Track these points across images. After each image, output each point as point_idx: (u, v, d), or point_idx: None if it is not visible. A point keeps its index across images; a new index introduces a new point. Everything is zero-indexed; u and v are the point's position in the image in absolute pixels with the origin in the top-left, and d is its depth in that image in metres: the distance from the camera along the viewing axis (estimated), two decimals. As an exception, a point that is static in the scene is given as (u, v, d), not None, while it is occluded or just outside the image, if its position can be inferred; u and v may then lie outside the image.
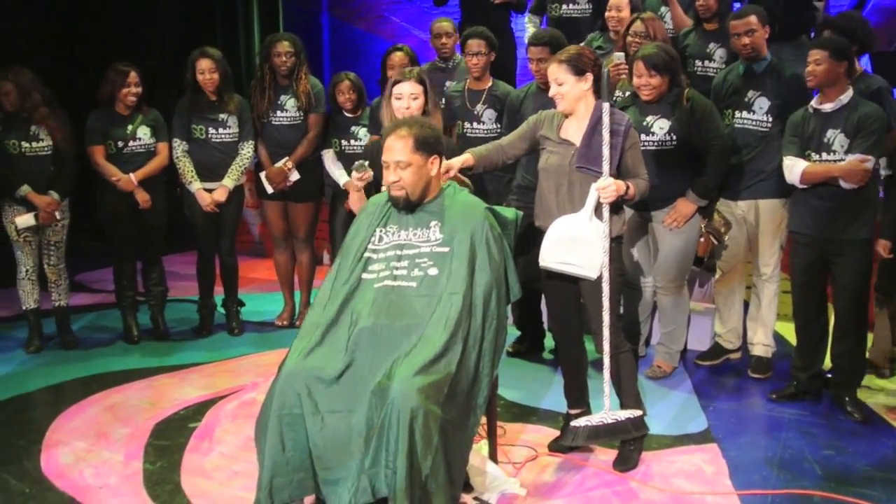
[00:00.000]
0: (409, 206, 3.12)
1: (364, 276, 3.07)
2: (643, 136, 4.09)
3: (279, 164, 5.10)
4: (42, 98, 4.76)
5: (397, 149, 3.07)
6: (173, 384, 4.46)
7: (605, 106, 3.23)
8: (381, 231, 3.15)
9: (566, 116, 3.39)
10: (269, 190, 5.16)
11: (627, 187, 3.25)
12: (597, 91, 3.33)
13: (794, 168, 3.90)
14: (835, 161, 3.82)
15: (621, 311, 3.49)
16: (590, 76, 3.31)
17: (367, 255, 3.12)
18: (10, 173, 4.70)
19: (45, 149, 4.81)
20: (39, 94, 4.76)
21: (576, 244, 3.27)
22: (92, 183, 5.02)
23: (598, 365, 4.08)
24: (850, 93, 3.86)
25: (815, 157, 3.88)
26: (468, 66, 4.82)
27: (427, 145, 3.09)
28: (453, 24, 5.35)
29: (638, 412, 3.37)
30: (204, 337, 5.23)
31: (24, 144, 4.74)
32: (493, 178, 4.65)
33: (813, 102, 3.94)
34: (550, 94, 3.40)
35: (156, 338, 5.18)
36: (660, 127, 4.14)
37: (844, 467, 3.46)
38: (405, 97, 3.58)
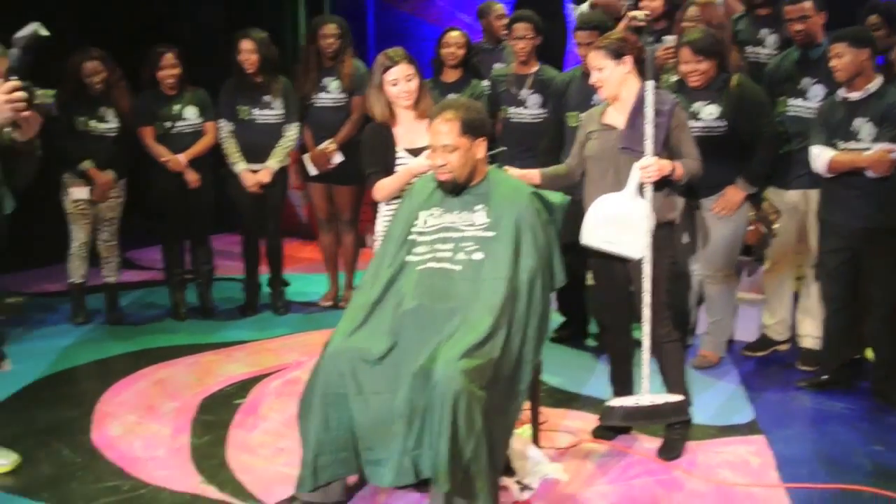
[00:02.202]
0: (455, 189, 3.12)
1: (408, 258, 3.07)
2: (691, 123, 4.01)
3: (322, 146, 5.12)
4: (118, 78, 4.86)
5: (444, 132, 3.06)
6: (219, 361, 4.52)
7: (649, 84, 3.21)
8: (425, 214, 3.15)
9: (609, 104, 3.38)
10: (313, 172, 5.18)
11: (673, 168, 3.21)
12: (641, 73, 3.30)
13: (821, 157, 3.86)
14: (862, 150, 3.77)
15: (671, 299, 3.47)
16: (628, 59, 3.29)
17: (411, 237, 3.12)
18: (75, 148, 4.79)
19: (112, 130, 4.91)
20: (116, 74, 4.85)
21: (618, 223, 3.25)
22: (142, 163, 5.09)
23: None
24: (878, 81, 3.81)
25: (842, 145, 3.84)
26: (514, 49, 4.79)
27: (474, 128, 3.08)
28: (503, 7, 5.31)
29: (678, 397, 3.34)
30: (249, 316, 5.28)
31: (92, 123, 4.85)
32: (535, 164, 4.62)
33: (841, 91, 3.90)
34: (591, 81, 3.39)
35: (202, 315, 5.26)
36: (708, 113, 4.09)
37: (895, 463, 3.39)
38: (401, 80, 3.46)
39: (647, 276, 3.27)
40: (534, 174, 3.40)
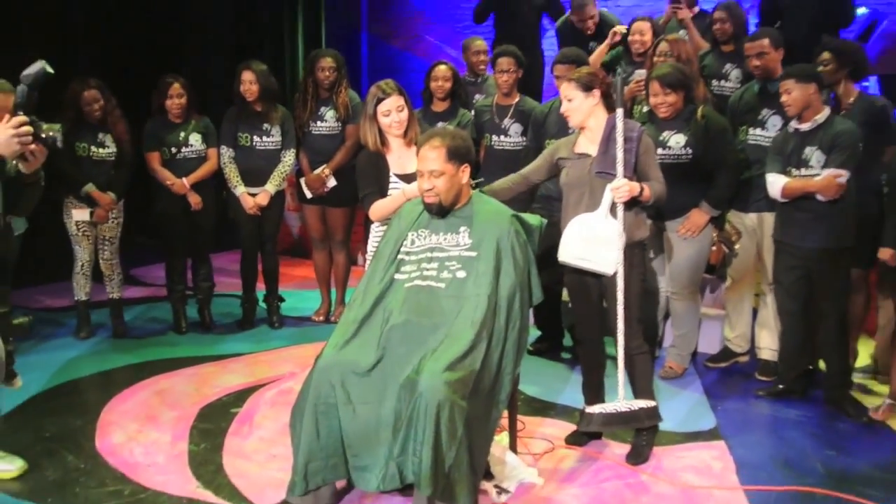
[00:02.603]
0: (441, 211, 3.12)
1: (397, 276, 3.07)
2: (660, 150, 4.05)
3: (317, 171, 5.12)
4: (113, 106, 4.84)
5: (431, 158, 3.07)
6: (217, 372, 4.48)
7: (619, 112, 3.23)
8: (413, 235, 3.15)
9: (579, 134, 3.41)
10: (309, 195, 5.17)
11: (642, 189, 3.23)
12: (607, 106, 3.34)
13: (776, 184, 3.91)
14: (812, 176, 3.81)
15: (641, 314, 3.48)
16: (597, 92, 3.32)
17: (400, 256, 3.12)
18: (76, 172, 4.75)
19: (110, 155, 4.86)
20: (112, 102, 4.83)
21: (592, 241, 3.26)
22: (148, 186, 5.07)
23: (615, 365, 4.08)
24: (825, 112, 3.87)
25: (795, 172, 3.88)
26: (498, 82, 4.81)
27: (459, 155, 3.09)
28: (484, 43, 5.35)
29: (652, 402, 3.34)
30: (246, 329, 5.25)
31: (93, 149, 4.81)
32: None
33: (793, 122, 3.95)
34: (561, 110, 3.41)
35: (202, 329, 5.22)
36: (676, 141, 4.11)
37: (846, 467, 3.40)
38: (392, 111, 3.50)
39: (621, 290, 3.27)
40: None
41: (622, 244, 3.25)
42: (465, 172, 3.12)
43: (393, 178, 3.53)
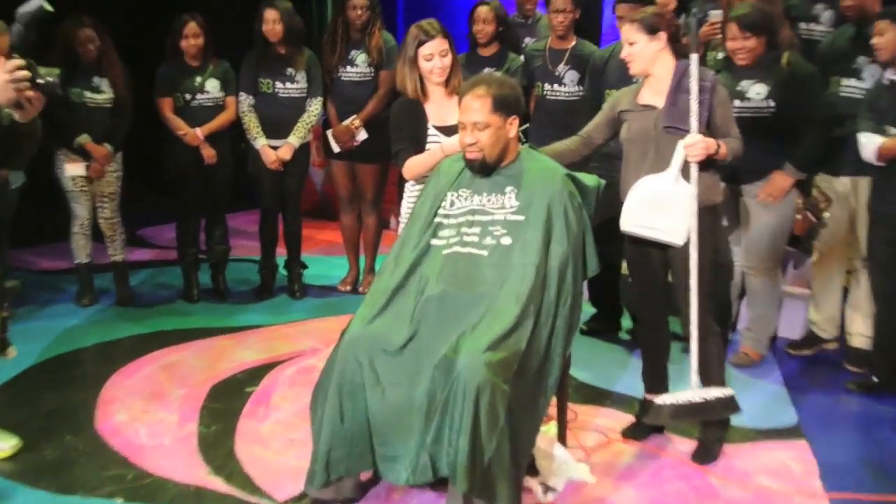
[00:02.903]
0: (484, 169, 3.07)
1: (433, 241, 3.04)
2: (737, 103, 3.97)
3: (347, 122, 5.08)
4: (109, 46, 4.82)
5: (475, 108, 3.01)
6: (231, 346, 4.49)
7: (694, 58, 3.16)
8: (453, 195, 3.10)
9: (643, 83, 3.35)
10: (336, 149, 5.14)
11: (718, 146, 3.16)
12: (675, 52, 3.29)
13: (869, 145, 3.82)
14: None
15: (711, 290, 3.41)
16: (663, 35, 3.26)
17: (437, 220, 3.08)
18: (71, 123, 4.76)
19: (107, 101, 4.86)
20: (107, 42, 4.82)
21: (661, 206, 3.20)
22: (158, 136, 5.07)
23: (681, 350, 4.00)
24: None
25: (892, 131, 3.77)
26: (552, 23, 4.75)
27: (506, 105, 3.03)
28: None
29: (728, 391, 3.27)
30: (264, 299, 5.26)
31: (87, 95, 4.80)
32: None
33: (888, 73, 3.83)
34: (622, 55, 3.35)
35: (216, 298, 5.24)
36: (756, 92, 4.02)
37: (949, 474, 3.30)
38: (435, 55, 3.45)
39: (694, 263, 3.21)
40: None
41: (695, 209, 3.18)
42: (512, 125, 3.06)
43: (431, 131, 3.50)
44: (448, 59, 3.48)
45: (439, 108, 3.52)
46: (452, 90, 3.52)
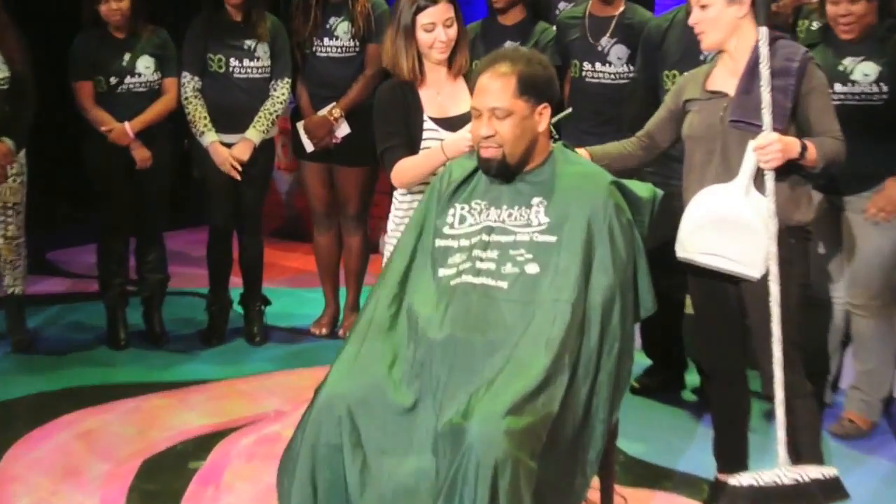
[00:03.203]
0: (504, 172, 3.08)
1: (441, 272, 3.05)
2: (839, 87, 4.01)
3: (323, 111, 5.12)
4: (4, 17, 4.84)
5: (494, 90, 3.04)
6: (170, 407, 4.51)
7: (763, 32, 3.17)
8: (462, 209, 3.12)
9: (715, 62, 3.38)
10: (310, 147, 5.18)
11: (804, 147, 3.16)
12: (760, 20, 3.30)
13: None
14: None
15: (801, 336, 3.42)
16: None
17: (440, 241, 3.10)
18: None
19: (3, 82, 4.83)
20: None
21: (728, 227, 3.22)
22: (74, 131, 5.11)
23: (765, 414, 4.01)
24: None
25: None
26: (593, -20, 4.77)
27: (536, 88, 3.05)
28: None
29: (829, 470, 3.27)
30: (214, 345, 5.29)
31: None
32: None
33: None
34: (690, 21, 3.37)
35: (149, 343, 5.26)
36: (863, 73, 4.05)
37: None
38: (438, 25, 3.50)
39: (776, 301, 3.21)
40: (582, 154, 3.37)
41: (774, 231, 3.19)
42: (542, 116, 3.09)
43: (428, 125, 3.53)
44: (453, 31, 3.53)
45: (439, 95, 3.57)
46: (457, 71, 3.57)
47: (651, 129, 3.51)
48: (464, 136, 3.33)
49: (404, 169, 3.47)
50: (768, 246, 3.20)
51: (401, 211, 3.55)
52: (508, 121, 3.03)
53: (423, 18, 3.51)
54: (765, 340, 3.27)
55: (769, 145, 3.13)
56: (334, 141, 5.15)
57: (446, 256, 3.07)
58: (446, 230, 3.11)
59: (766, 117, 3.16)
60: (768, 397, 3.35)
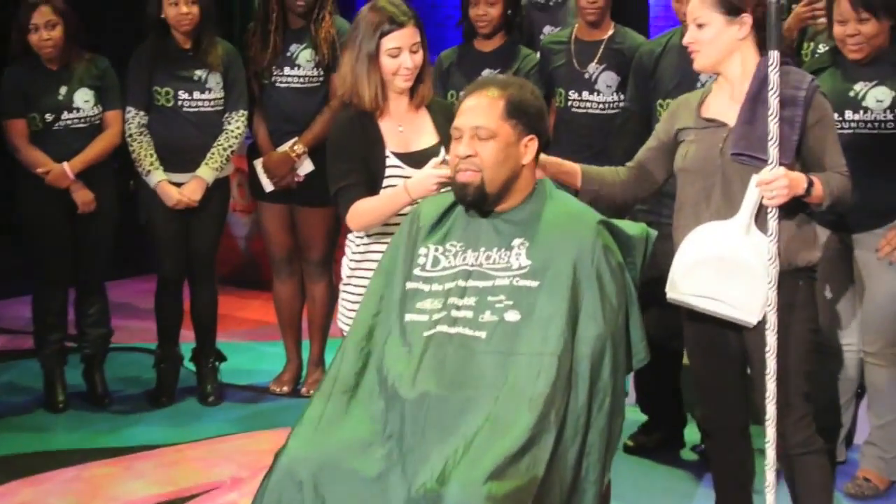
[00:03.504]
0: (481, 201, 3.10)
1: (408, 317, 3.06)
2: (850, 114, 4.05)
3: (284, 147, 5.14)
4: None
5: (479, 110, 3.08)
6: (114, 476, 4.49)
7: (774, 55, 3.18)
8: (435, 250, 3.14)
9: (711, 87, 3.40)
10: (269, 187, 5.18)
11: (810, 183, 3.19)
12: (761, 43, 3.32)
13: None
14: None
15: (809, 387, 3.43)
16: (748, 18, 3.30)
17: (412, 285, 3.11)
18: None
19: None
20: None
21: (726, 268, 3.24)
22: (6, 172, 5.11)
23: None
24: None
25: None
26: (579, 5, 4.83)
27: (525, 115, 3.10)
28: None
29: None
30: (163, 406, 5.27)
31: None
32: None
33: None
34: (685, 40, 3.41)
35: (91, 404, 5.24)
36: (876, 99, 4.08)
37: None
38: (404, 50, 3.51)
39: (772, 354, 3.22)
40: (572, 166, 3.40)
41: (774, 275, 3.21)
42: (529, 147, 3.12)
43: (391, 160, 3.55)
44: (419, 57, 3.55)
45: (401, 127, 3.59)
46: (420, 102, 3.60)
47: (642, 159, 3.52)
48: (430, 173, 3.34)
49: (362, 211, 3.47)
50: (768, 291, 3.21)
51: (358, 255, 3.55)
52: (492, 143, 3.06)
53: (388, 43, 3.52)
54: (764, 392, 3.27)
55: (775, 180, 3.14)
56: (296, 180, 5.16)
57: (415, 300, 3.08)
58: (417, 272, 3.13)
59: (773, 151, 3.17)
60: (777, 455, 3.37)
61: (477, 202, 3.10)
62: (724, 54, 3.33)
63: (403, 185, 3.40)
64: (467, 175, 3.07)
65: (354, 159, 3.51)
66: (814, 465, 3.37)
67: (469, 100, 3.12)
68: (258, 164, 5.22)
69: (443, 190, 3.27)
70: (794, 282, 3.30)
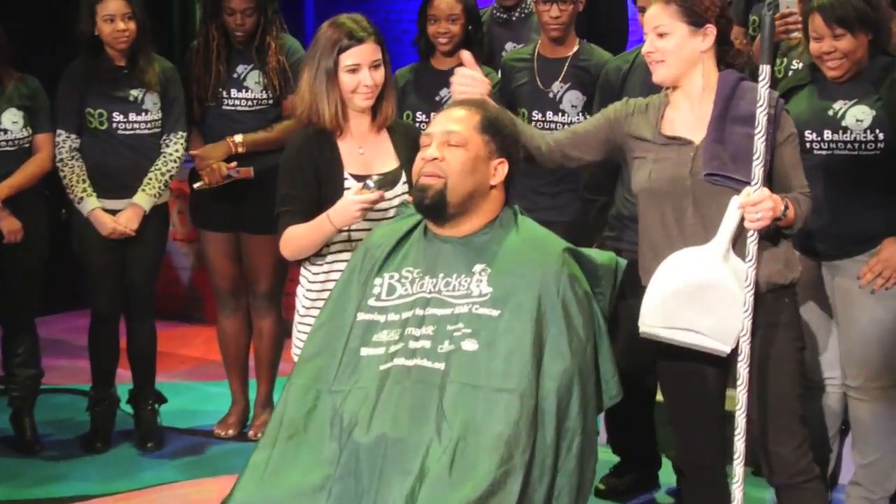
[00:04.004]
0: (440, 209, 3.12)
1: (364, 351, 3.07)
2: (828, 134, 4.06)
3: (222, 142, 5.10)
4: None
5: (454, 118, 3.16)
6: (46, 529, 4.44)
7: (766, 69, 3.20)
8: (391, 277, 3.15)
9: (668, 101, 3.42)
10: (198, 183, 5.11)
11: (786, 206, 3.22)
12: (720, 59, 3.38)
13: None
14: None
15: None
16: (711, 31, 3.34)
17: (365, 316, 3.11)
18: None
19: None
20: None
21: (703, 297, 3.25)
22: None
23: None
24: None
25: None
26: (542, 20, 4.84)
27: (499, 134, 3.16)
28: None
29: None
30: (98, 452, 5.23)
31: None
32: (575, 201, 4.64)
33: None
34: (644, 49, 3.44)
35: (19, 451, 5.20)
36: (856, 119, 4.09)
37: None
38: (364, 67, 3.55)
39: (744, 386, 3.25)
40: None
41: (750, 300, 3.23)
42: (498, 171, 3.17)
43: (349, 183, 3.56)
44: (380, 74, 3.59)
45: (361, 149, 3.63)
46: (382, 122, 3.64)
47: (571, 137, 3.53)
48: (352, 199, 3.37)
49: (290, 238, 3.52)
50: (743, 318, 3.23)
51: (317, 284, 3.56)
52: (461, 151, 3.11)
53: (347, 59, 3.55)
54: (771, 420, 3.32)
55: (760, 202, 3.16)
56: (235, 174, 5.08)
57: (371, 332, 3.09)
58: (371, 302, 3.14)
59: (758, 170, 3.19)
60: (776, 486, 3.39)
61: (434, 208, 3.12)
62: (685, 67, 3.36)
63: (325, 214, 3.43)
64: (430, 179, 3.12)
65: (302, 183, 3.54)
66: (814, 492, 3.41)
67: (443, 112, 3.21)
68: (197, 187, 5.18)
69: (392, 216, 3.29)
70: (776, 301, 3.33)
